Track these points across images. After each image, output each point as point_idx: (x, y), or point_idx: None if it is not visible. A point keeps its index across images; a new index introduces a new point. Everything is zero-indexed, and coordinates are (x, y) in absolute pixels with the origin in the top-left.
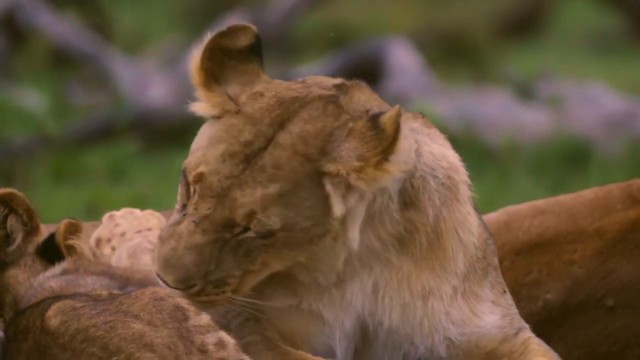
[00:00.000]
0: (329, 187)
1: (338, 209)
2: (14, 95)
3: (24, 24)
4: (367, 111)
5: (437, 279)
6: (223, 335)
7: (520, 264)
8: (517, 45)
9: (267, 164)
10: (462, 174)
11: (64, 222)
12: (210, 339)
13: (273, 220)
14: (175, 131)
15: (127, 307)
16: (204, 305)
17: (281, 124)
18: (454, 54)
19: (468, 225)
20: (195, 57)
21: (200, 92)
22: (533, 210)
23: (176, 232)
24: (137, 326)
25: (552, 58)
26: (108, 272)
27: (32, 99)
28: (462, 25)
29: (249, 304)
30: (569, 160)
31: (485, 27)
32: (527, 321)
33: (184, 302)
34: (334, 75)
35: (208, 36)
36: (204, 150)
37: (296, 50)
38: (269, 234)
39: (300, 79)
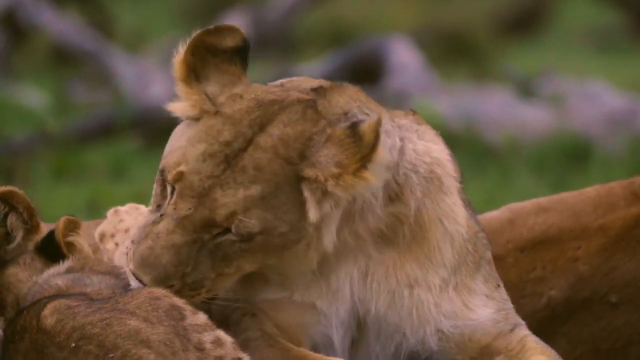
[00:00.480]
0: (306, 193)
1: (313, 214)
2: (14, 93)
3: (25, 22)
4: (345, 114)
5: (422, 268)
6: (220, 333)
7: (524, 260)
8: (517, 42)
9: (248, 165)
10: (447, 167)
11: (63, 219)
12: (207, 337)
13: (253, 222)
14: None
15: (123, 305)
16: None
17: (261, 126)
18: (454, 52)
19: (454, 215)
20: (179, 51)
21: (179, 87)
22: (536, 207)
23: (153, 232)
24: (133, 323)
25: (552, 55)
26: (113, 272)
27: (33, 96)
28: (463, 23)
29: (234, 300)
30: (570, 157)
31: (486, 24)
32: (531, 318)
33: (180, 301)
34: (334, 73)
35: (195, 32)
36: (183, 150)
37: (297, 48)
38: (248, 237)
39: (278, 82)
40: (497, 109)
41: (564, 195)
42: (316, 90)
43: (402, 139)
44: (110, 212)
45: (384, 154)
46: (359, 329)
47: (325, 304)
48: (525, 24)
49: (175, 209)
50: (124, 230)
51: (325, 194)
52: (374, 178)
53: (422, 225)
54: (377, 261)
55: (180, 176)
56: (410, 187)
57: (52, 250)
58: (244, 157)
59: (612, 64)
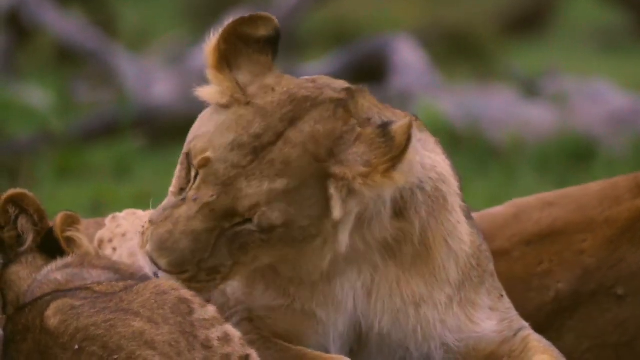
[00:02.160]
0: (332, 190)
1: (338, 212)
2: (18, 92)
3: (29, 21)
4: (368, 119)
5: (428, 287)
6: (229, 328)
7: (531, 254)
8: (521, 42)
9: (276, 158)
10: (451, 184)
11: (61, 214)
12: (215, 333)
13: (276, 215)
14: (179, 128)
15: (128, 304)
16: (194, 291)
17: (292, 120)
18: (458, 51)
19: (458, 234)
20: (212, 39)
21: (210, 73)
22: (541, 202)
23: (173, 216)
24: (138, 324)
25: (556, 55)
26: (113, 267)
27: (36, 96)
28: (467, 22)
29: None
30: (574, 157)
31: (490, 24)
32: (538, 312)
33: (188, 294)
34: (338, 73)
35: (229, 19)
36: (210, 136)
37: (300, 47)
38: (269, 229)
39: (310, 78)
40: (501, 108)
41: (569, 190)
42: (347, 90)
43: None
44: (108, 219)
45: (414, 156)
46: (360, 341)
47: (325, 314)
48: (529, 23)
49: (197, 194)
50: (121, 235)
51: (351, 192)
52: (402, 179)
53: (427, 244)
54: (382, 276)
55: (206, 162)
56: (415, 205)
57: (52, 247)
58: (272, 150)
59: (616, 63)
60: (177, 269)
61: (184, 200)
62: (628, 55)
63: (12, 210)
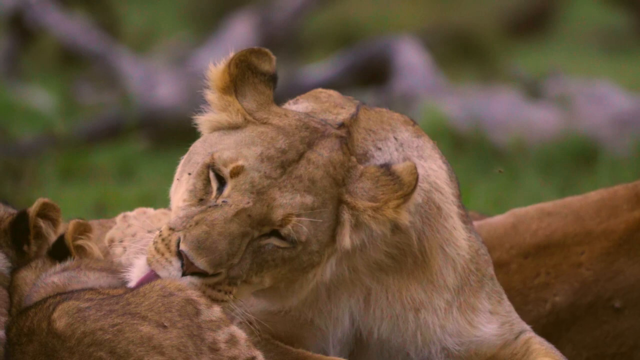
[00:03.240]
0: (345, 216)
1: (346, 241)
2: (22, 94)
3: (32, 23)
4: (364, 154)
5: (427, 293)
6: (234, 329)
7: (528, 266)
8: (525, 44)
9: (303, 175)
10: (445, 192)
11: (73, 222)
12: (222, 335)
13: (304, 229)
14: (183, 130)
15: (135, 307)
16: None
17: (309, 144)
18: (462, 53)
19: (454, 240)
20: (222, 62)
21: (215, 95)
22: (540, 212)
23: (207, 219)
24: (145, 329)
25: (560, 57)
26: (110, 269)
27: (40, 98)
28: (471, 24)
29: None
30: (577, 158)
31: (494, 26)
32: (535, 324)
33: (194, 294)
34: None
35: (240, 49)
36: (236, 149)
37: (304, 49)
38: (294, 242)
39: (303, 112)
40: (505, 110)
41: (567, 199)
42: (342, 127)
43: (405, 159)
44: (119, 218)
45: (418, 196)
46: (359, 345)
47: (323, 322)
48: (532, 25)
49: (232, 200)
50: (131, 235)
51: (358, 224)
52: (407, 217)
53: (424, 253)
54: (379, 288)
55: (240, 170)
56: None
57: (61, 253)
58: (298, 167)
59: (619, 65)
60: (215, 269)
61: (215, 207)
62: (631, 57)
63: (43, 224)
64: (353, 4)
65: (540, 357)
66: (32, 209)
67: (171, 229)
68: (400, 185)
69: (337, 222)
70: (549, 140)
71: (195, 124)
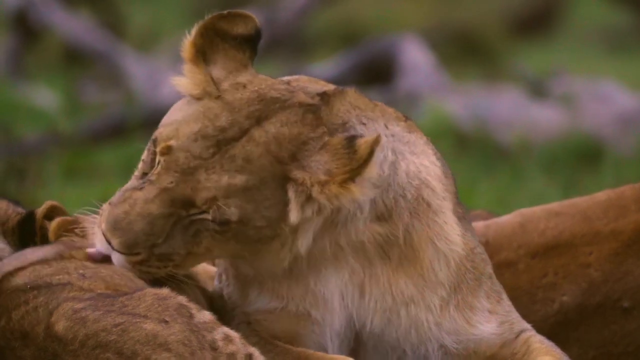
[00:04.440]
0: (291, 193)
1: (294, 216)
2: (26, 93)
3: (37, 22)
4: (344, 124)
5: (418, 287)
6: (227, 330)
7: (536, 266)
8: (529, 42)
9: (237, 154)
10: (435, 188)
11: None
12: (218, 335)
13: (232, 210)
14: None
15: (133, 308)
16: (143, 275)
17: (258, 119)
18: (466, 52)
19: (445, 234)
20: (190, 33)
21: (185, 66)
22: (547, 212)
23: (132, 197)
24: (149, 326)
25: (564, 56)
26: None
27: (44, 96)
28: (475, 23)
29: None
30: (582, 158)
31: (498, 24)
32: (542, 324)
33: (184, 299)
34: (346, 73)
35: (208, 16)
36: (177, 125)
37: (308, 48)
38: (224, 223)
39: (286, 79)
40: (509, 109)
41: (575, 200)
42: (321, 95)
43: (395, 153)
44: None
45: (374, 171)
46: (357, 340)
47: (319, 314)
48: (536, 24)
49: (157, 179)
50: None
51: (309, 198)
52: (360, 193)
53: (412, 245)
54: (373, 275)
55: (168, 150)
56: (397, 211)
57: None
58: (235, 146)
59: (623, 64)
60: (129, 250)
61: (144, 184)
62: (635, 56)
63: (48, 225)
64: (357, 3)
65: (540, 356)
66: (40, 211)
67: (109, 204)
68: (351, 159)
69: (287, 198)
70: (553, 139)
71: None
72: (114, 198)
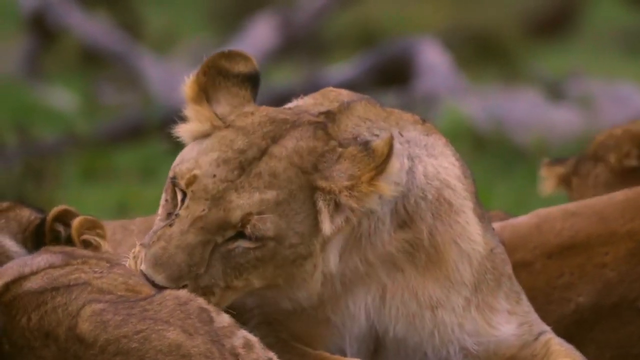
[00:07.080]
0: (320, 203)
1: (327, 226)
2: (44, 95)
3: (54, 24)
4: (355, 138)
5: (444, 290)
6: (246, 334)
7: (552, 267)
8: (546, 44)
9: (263, 171)
10: (456, 188)
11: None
12: (238, 341)
13: (268, 225)
14: None
15: (154, 313)
16: None
17: (273, 138)
18: (483, 54)
19: (467, 234)
20: (192, 74)
21: (188, 107)
22: (564, 212)
23: (165, 234)
24: (172, 335)
25: (582, 57)
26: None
27: (62, 98)
28: (492, 25)
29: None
30: None
31: (515, 26)
32: (558, 324)
33: (203, 302)
34: (363, 75)
35: (208, 56)
36: (195, 159)
37: (325, 50)
38: (261, 241)
39: (288, 106)
40: (526, 110)
41: (592, 200)
42: (325, 114)
43: (411, 158)
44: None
45: (397, 164)
46: (377, 343)
47: (340, 320)
48: (554, 25)
49: (188, 211)
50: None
51: (338, 206)
52: (387, 189)
53: (437, 247)
54: (393, 286)
55: (193, 179)
56: (420, 214)
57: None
58: (258, 165)
59: None
60: (175, 283)
61: (173, 221)
62: None
63: (60, 228)
64: (374, 4)
65: (560, 358)
66: (49, 215)
67: (142, 245)
68: (373, 158)
69: (316, 210)
70: (570, 140)
71: None
72: (146, 240)
